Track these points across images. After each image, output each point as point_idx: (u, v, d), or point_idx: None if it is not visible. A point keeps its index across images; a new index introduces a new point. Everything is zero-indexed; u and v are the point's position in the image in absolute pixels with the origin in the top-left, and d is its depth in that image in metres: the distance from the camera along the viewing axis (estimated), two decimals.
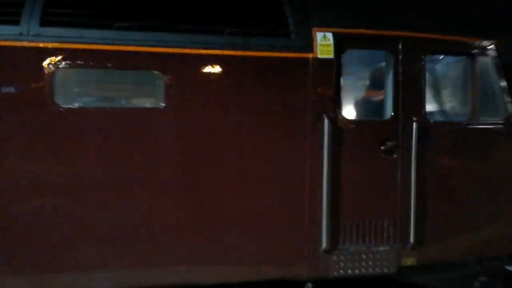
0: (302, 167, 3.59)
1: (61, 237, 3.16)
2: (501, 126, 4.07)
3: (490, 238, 4.09)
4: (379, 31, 3.77)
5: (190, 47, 3.37)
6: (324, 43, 3.61)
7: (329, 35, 3.61)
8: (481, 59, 4.04)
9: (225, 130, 3.47)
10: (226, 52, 3.43)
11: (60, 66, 3.11)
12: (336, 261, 3.70)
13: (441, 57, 4.23)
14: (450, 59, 4.25)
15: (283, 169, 3.58)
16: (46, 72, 3.07)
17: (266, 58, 3.51)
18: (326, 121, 3.52)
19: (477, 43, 4.04)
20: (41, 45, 3.06)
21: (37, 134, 3.10)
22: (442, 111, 4.31)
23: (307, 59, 3.55)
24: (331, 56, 3.58)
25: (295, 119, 3.57)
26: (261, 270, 3.57)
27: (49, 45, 3.09)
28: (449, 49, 4.02)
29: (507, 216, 4.10)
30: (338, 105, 3.66)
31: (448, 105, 4.34)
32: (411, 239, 3.76)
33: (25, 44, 3.05)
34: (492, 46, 4.11)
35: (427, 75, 4.01)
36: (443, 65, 4.33)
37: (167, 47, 3.33)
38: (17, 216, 3.10)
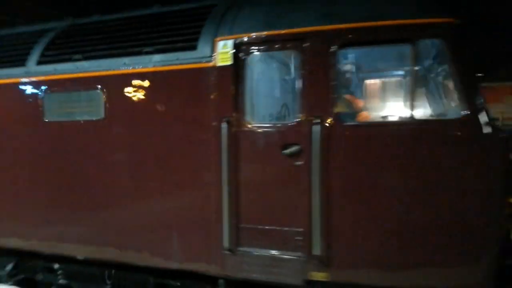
0: (209, 170, 3.87)
1: None
2: (451, 125, 3.22)
3: (421, 263, 3.28)
4: (280, 30, 3.63)
5: (116, 69, 4.18)
6: (223, 51, 3.78)
7: (229, 43, 3.76)
8: (424, 45, 3.30)
9: (144, 136, 4.13)
10: (143, 70, 4.08)
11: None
12: (240, 262, 3.80)
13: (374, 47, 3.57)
14: (385, 48, 3.53)
15: (194, 171, 3.95)
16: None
17: (175, 71, 3.97)
18: (224, 125, 3.71)
19: (415, 26, 3.30)
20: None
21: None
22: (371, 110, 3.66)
23: (207, 68, 3.81)
24: (229, 63, 3.72)
25: (201, 125, 3.88)
26: (183, 263, 4.03)
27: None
28: (375, 38, 3.39)
29: (443, 236, 3.20)
30: (238, 110, 3.75)
31: (380, 103, 3.63)
32: (317, 251, 3.48)
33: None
34: (444, 26, 3.27)
35: (350, 70, 3.57)
36: (375, 56, 3.64)
37: (102, 71, 4.25)
38: None
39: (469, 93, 3.19)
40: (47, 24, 5.14)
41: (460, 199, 3.19)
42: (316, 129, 3.40)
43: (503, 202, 3.25)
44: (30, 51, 4.75)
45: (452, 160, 3.19)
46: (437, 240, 3.25)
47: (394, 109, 3.62)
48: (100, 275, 4.67)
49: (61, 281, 4.95)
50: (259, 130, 3.71)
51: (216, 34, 3.87)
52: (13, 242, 4.90)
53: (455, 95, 3.22)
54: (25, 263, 5.18)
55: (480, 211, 3.18)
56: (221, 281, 4.00)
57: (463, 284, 3.25)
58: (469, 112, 3.17)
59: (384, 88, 3.75)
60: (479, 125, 3.15)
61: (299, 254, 3.59)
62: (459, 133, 3.19)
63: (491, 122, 3.19)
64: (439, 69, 3.39)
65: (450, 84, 3.25)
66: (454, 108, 3.27)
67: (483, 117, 3.17)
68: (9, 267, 5.21)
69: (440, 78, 3.44)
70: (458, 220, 3.21)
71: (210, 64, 3.81)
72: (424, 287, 3.31)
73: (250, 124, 3.74)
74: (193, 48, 3.90)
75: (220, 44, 3.80)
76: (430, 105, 3.49)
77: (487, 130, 3.15)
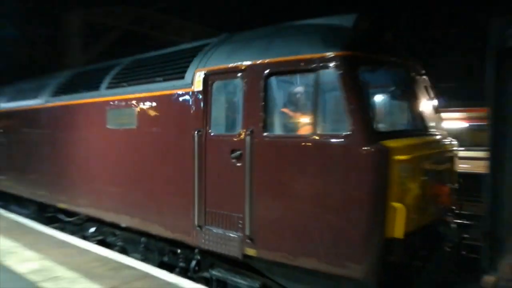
0: (189, 167, 5.32)
1: None
2: (342, 140, 4.03)
3: (314, 251, 4.08)
4: (229, 65, 4.88)
5: (141, 92, 6.04)
6: (198, 79, 5.22)
7: (202, 73, 5.20)
8: (324, 74, 4.14)
9: (155, 141, 5.88)
10: (155, 94, 5.95)
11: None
12: (205, 236, 5.16)
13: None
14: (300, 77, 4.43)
15: (181, 166, 5.51)
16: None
17: (172, 94, 5.64)
18: (195, 134, 5.18)
19: (317, 59, 4.15)
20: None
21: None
22: (286, 126, 4.65)
23: (190, 92, 5.32)
24: (200, 88, 5.15)
25: (187, 133, 5.30)
26: (174, 234, 5.66)
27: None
28: (290, 69, 4.39)
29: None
30: (206, 123, 5.13)
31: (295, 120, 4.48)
32: (248, 232, 4.62)
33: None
34: (337, 59, 4.06)
35: (279, 94, 4.59)
36: (292, 83, 4.54)
37: (134, 93, 6.17)
38: None
39: (357, 114, 3.90)
40: (117, 60, 7.42)
41: (346, 196, 3.91)
42: (248, 139, 4.53)
43: (382, 208, 3.77)
44: (102, 80, 6.99)
45: (339, 167, 3.96)
46: (325, 234, 4.04)
47: (303, 125, 4.43)
48: (138, 240, 6.56)
49: (119, 243, 7.05)
50: (218, 139, 5.03)
51: (197, 67, 5.33)
52: (91, 212, 7.23)
53: (345, 116, 3.95)
54: (101, 228, 7.46)
55: (360, 211, 3.83)
56: (196, 250, 5.41)
57: (349, 274, 3.93)
58: (354, 131, 3.87)
59: (297, 108, 4.57)
60: (362, 142, 3.82)
61: (239, 234, 4.76)
62: (345, 147, 3.92)
63: (375, 139, 3.85)
64: (334, 94, 4.11)
65: (341, 106, 3.99)
66: (344, 126, 3.95)
67: (366, 135, 3.85)
68: (91, 230, 7.60)
69: (334, 101, 4.16)
70: (344, 214, 3.93)
71: (191, 89, 5.27)
72: (315, 269, 4.15)
73: (212, 134, 5.09)
74: (182, 78, 5.47)
75: (197, 74, 5.26)
76: (326, 123, 4.22)
77: (367, 146, 3.80)
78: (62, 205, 8.07)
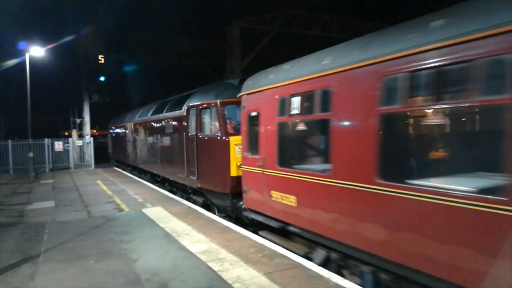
0: (182, 149, 11.69)
1: None
2: (218, 137, 9.69)
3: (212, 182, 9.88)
4: (192, 103, 11.06)
5: (158, 117, 14.83)
6: (185, 109, 11.49)
7: (185, 107, 11.50)
8: (213, 109, 9.88)
9: (173, 139, 12.99)
10: (166, 116, 13.79)
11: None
12: (188, 180, 11.31)
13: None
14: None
15: (180, 149, 11.97)
16: None
17: (176, 116, 12.60)
18: (184, 134, 11.71)
19: (213, 102, 9.88)
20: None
21: None
22: (206, 131, 10.38)
23: (183, 115, 11.65)
24: (185, 114, 11.50)
25: (182, 134, 11.77)
26: (179, 179, 12.37)
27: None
28: (204, 107, 10.29)
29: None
30: (187, 129, 11.31)
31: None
32: (196, 176, 10.49)
33: None
34: (217, 103, 9.70)
35: (203, 116, 10.48)
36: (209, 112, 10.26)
37: (155, 119, 15.35)
38: None
39: (222, 127, 9.30)
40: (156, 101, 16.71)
41: (219, 159, 9.28)
42: (196, 137, 10.58)
43: (228, 163, 8.82)
44: (150, 109, 16.42)
45: (217, 147, 9.35)
46: (216, 171, 9.56)
47: (210, 131, 10.10)
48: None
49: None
50: (190, 136, 11.03)
51: (185, 104, 11.72)
52: (147, 168, 17.39)
53: (219, 128, 9.42)
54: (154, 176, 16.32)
55: (222, 166, 9.09)
56: (187, 187, 11.84)
57: (224, 191, 9.16)
58: (220, 134, 9.32)
59: (208, 123, 10.24)
60: (223, 137, 9.15)
61: (195, 177, 10.57)
62: (219, 139, 9.35)
63: (227, 136, 9.09)
64: (219, 118, 9.48)
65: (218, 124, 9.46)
66: (218, 132, 9.43)
67: (224, 135, 9.16)
68: (147, 176, 17.18)
69: (220, 120, 9.42)
70: (217, 166, 9.39)
71: (183, 114, 11.69)
72: (216, 191, 9.63)
73: (189, 134, 11.15)
74: (181, 109, 12.07)
75: (184, 107, 11.70)
76: (215, 130, 9.69)
77: (224, 138, 9.11)
78: (141, 167, 18.29)
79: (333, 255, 5.78)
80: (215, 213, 9.79)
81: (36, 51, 18.91)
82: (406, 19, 4.89)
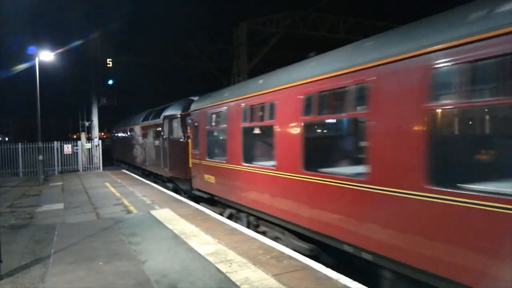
0: (159, 149, 16.68)
1: None
2: (182, 140, 14.07)
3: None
4: (166, 114, 15.74)
5: (147, 124, 19.62)
6: (161, 118, 16.04)
7: (162, 116, 16.09)
8: (177, 119, 14.43)
9: (154, 141, 18.09)
10: (149, 124, 19.03)
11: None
12: (165, 171, 15.92)
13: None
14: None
15: (158, 149, 16.87)
16: None
17: (156, 124, 17.44)
18: (161, 138, 16.29)
19: (178, 114, 14.44)
20: None
21: None
22: (175, 135, 14.72)
23: (160, 123, 16.26)
24: (162, 122, 16.27)
25: (160, 137, 16.56)
26: (160, 172, 16.96)
27: None
28: (172, 117, 14.88)
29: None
30: (164, 134, 15.86)
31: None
32: (168, 167, 15.30)
33: None
34: (180, 115, 14.23)
35: (171, 124, 15.18)
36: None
37: (147, 124, 19.36)
38: None
39: (184, 133, 13.66)
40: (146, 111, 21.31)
41: (181, 155, 13.61)
42: (168, 138, 15.47)
43: (187, 158, 12.91)
44: (141, 117, 20.89)
45: (180, 147, 13.83)
46: (180, 163, 13.78)
47: (176, 135, 14.40)
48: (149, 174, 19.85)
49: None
50: (165, 138, 15.71)
51: (162, 114, 16.26)
52: (138, 165, 22.08)
53: (182, 133, 13.85)
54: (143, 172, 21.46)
55: (183, 160, 13.29)
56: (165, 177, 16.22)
57: (185, 177, 13.30)
58: (182, 137, 13.79)
59: (176, 130, 14.56)
60: (184, 140, 13.61)
61: (168, 169, 15.29)
62: (181, 141, 13.90)
63: (186, 139, 13.37)
64: (182, 126, 13.95)
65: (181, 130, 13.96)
66: (181, 136, 13.92)
67: (185, 138, 13.54)
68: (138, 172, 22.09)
69: (182, 127, 13.84)
70: (181, 160, 13.64)
71: (161, 122, 16.17)
72: (181, 177, 13.98)
73: (164, 137, 15.81)
74: (159, 118, 16.62)
75: (161, 117, 16.19)
76: (179, 134, 14.10)
77: (184, 140, 13.55)
78: (135, 164, 22.47)
79: (233, 211, 9.58)
80: (181, 195, 13.64)
81: (46, 56, 19.14)
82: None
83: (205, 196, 11.08)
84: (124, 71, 29.78)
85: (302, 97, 6.22)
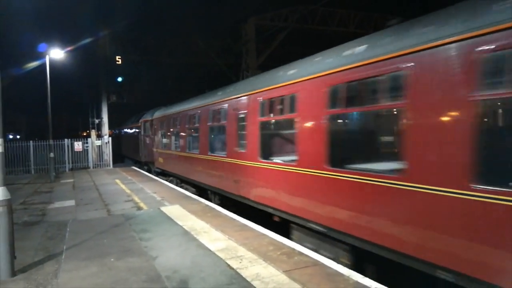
0: (138, 142, 24.71)
1: None
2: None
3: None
4: (143, 119, 23.01)
5: (134, 125, 26.76)
6: (140, 122, 22.61)
7: (142, 120, 23.10)
8: (148, 124, 21.82)
9: (137, 137, 26.59)
10: (136, 124, 25.76)
11: None
12: (142, 158, 23.91)
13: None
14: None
15: (137, 141, 25.33)
16: None
17: (138, 125, 24.46)
18: (140, 135, 24.02)
19: (149, 119, 21.60)
20: None
21: None
22: (148, 132, 22.26)
23: (139, 125, 23.87)
24: (140, 125, 23.60)
25: (139, 135, 24.24)
26: (138, 159, 25.85)
27: None
28: (145, 121, 22.42)
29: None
30: (142, 132, 23.10)
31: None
32: (143, 156, 23.75)
33: None
34: (151, 120, 21.08)
35: (145, 127, 23.00)
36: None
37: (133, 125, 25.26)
38: None
39: (152, 132, 21.64)
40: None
41: (150, 147, 21.26)
42: (144, 135, 23.00)
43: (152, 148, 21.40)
44: (134, 119, 27.11)
45: (149, 141, 21.51)
46: (150, 152, 21.47)
47: (148, 132, 22.03)
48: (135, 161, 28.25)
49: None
50: (141, 135, 23.69)
51: (141, 119, 23.53)
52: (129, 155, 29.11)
53: (150, 131, 22.53)
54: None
55: (151, 150, 20.99)
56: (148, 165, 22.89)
57: (153, 165, 21.50)
58: (152, 134, 21.46)
59: (149, 130, 21.74)
60: (152, 136, 21.70)
61: (143, 155, 23.40)
62: (151, 137, 21.23)
63: (153, 136, 21.29)
64: (150, 127, 21.32)
65: (150, 130, 21.89)
66: (151, 133, 21.79)
67: (153, 135, 21.43)
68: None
69: (151, 128, 21.28)
70: (150, 150, 21.31)
71: (140, 124, 23.60)
72: (149, 161, 22.12)
73: (142, 134, 23.42)
74: (138, 122, 24.19)
75: (140, 120, 23.53)
76: (149, 132, 21.68)
77: (152, 136, 21.73)
78: (129, 156, 31.33)
79: (176, 180, 15.97)
80: (152, 174, 20.10)
81: (56, 54, 19.31)
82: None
83: (159, 171, 19.03)
84: (133, 69, 29.92)
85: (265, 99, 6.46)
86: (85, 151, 24.47)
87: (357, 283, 4.78)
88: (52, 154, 19.62)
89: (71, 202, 11.71)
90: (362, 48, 5.44)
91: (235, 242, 6.68)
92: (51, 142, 20.33)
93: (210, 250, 6.28)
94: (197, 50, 28.58)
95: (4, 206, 5.42)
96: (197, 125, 12.43)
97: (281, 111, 7.34)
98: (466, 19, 3.92)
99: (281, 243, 6.56)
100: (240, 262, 5.65)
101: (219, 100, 10.56)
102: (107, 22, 25.27)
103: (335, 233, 5.76)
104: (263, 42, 25.53)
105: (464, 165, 3.80)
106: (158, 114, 19.28)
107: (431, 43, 4.20)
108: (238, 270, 5.34)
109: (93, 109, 28.34)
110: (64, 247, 6.79)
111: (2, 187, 5.45)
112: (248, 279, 5.00)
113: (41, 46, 18.86)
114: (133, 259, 6.02)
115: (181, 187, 14.57)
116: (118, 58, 25.17)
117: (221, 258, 5.86)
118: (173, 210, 9.62)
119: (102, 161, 25.12)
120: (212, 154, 11.04)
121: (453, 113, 3.98)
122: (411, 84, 4.45)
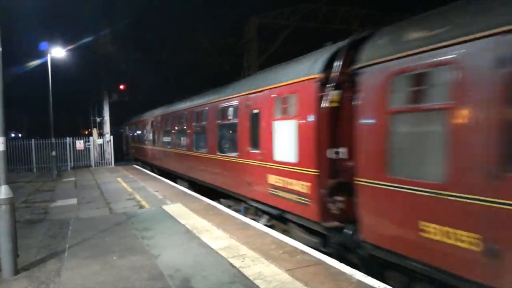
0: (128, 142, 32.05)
1: None
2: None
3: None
4: (126, 122, 31.83)
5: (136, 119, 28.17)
6: (124, 124, 30.48)
7: (125, 123, 32.62)
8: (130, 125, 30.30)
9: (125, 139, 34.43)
10: (123, 127, 34.57)
11: None
12: (129, 154, 31.25)
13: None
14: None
15: (127, 140, 33.04)
16: None
17: (124, 127, 33.38)
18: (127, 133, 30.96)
19: (129, 122, 30.58)
20: None
21: None
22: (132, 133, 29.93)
23: (125, 127, 32.93)
24: (125, 126, 32.64)
25: (126, 135, 33.05)
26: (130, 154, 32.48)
27: None
28: (127, 124, 31.89)
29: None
30: (127, 132, 31.69)
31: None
32: (131, 153, 30.00)
33: None
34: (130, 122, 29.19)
35: (130, 128, 30.67)
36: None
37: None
38: None
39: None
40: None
41: (131, 144, 30.42)
42: (130, 135, 30.07)
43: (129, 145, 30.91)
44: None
45: (129, 140, 30.80)
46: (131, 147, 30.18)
47: (130, 133, 30.96)
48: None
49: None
50: (127, 135, 32.19)
51: (124, 123, 32.12)
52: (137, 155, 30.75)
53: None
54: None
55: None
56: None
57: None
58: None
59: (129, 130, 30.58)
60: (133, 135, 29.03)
61: (131, 153, 29.88)
62: (132, 136, 28.95)
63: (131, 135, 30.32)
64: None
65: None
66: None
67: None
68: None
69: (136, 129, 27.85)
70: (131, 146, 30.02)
71: (125, 126, 32.46)
72: (136, 157, 27.97)
73: (129, 134, 30.81)
74: (122, 124, 33.03)
75: (125, 123, 32.04)
76: (129, 133, 30.94)
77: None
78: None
79: (155, 170, 20.67)
80: (138, 165, 24.38)
81: (57, 52, 19.32)
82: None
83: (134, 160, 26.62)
84: (135, 68, 29.97)
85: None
86: (87, 149, 24.51)
87: (359, 281, 4.77)
88: (54, 153, 19.65)
89: (73, 201, 11.72)
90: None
91: (237, 240, 6.67)
92: (53, 140, 20.36)
93: (212, 249, 6.28)
94: (199, 49, 28.54)
95: (7, 205, 5.43)
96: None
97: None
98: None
99: (283, 241, 6.55)
100: (243, 261, 5.65)
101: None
102: (109, 20, 25.27)
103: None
104: (264, 41, 25.50)
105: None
106: (132, 119, 27.63)
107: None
108: (240, 269, 5.34)
109: (94, 107, 28.46)
110: (67, 246, 6.80)
111: (5, 186, 5.46)
112: (251, 278, 5.00)
113: (43, 45, 18.89)
114: (136, 257, 6.02)
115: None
116: (120, 57, 25.31)
117: (223, 257, 5.85)
118: (175, 209, 9.62)
119: (104, 160, 25.15)
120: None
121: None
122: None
